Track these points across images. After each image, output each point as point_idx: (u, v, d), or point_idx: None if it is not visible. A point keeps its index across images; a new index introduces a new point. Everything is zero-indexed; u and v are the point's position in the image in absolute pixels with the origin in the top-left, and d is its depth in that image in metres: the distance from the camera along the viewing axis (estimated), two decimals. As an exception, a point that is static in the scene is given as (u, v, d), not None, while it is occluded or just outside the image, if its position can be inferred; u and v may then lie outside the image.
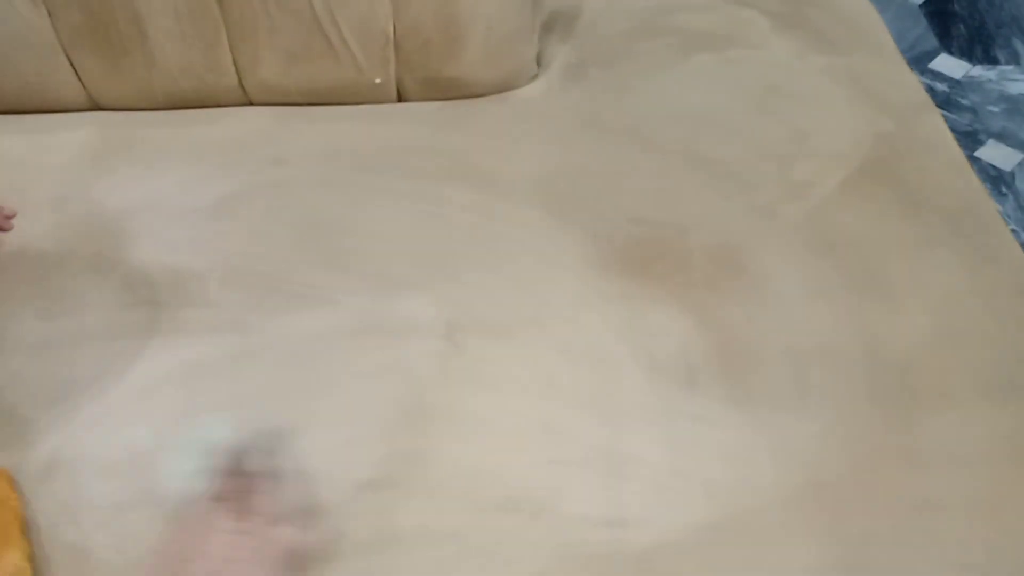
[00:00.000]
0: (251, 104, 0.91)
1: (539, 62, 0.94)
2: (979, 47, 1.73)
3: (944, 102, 1.62)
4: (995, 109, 1.61)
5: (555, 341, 0.70)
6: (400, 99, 0.91)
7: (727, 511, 0.60)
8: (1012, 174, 1.49)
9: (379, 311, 0.71)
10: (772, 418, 0.65)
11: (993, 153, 1.53)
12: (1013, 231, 1.40)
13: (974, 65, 1.69)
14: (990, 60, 1.70)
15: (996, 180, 1.49)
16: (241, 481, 0.55)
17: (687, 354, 0.69)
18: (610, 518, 0.60)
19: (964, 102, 1.62)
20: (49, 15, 0.83)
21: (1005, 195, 1.46)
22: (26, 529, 0.58)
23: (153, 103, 0.89)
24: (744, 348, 0.69)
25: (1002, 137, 1.56)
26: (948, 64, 1.70)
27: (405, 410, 0.65)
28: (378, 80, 0.88)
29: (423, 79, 0.89)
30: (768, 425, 0.65)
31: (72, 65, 0.86)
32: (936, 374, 0.68)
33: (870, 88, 0.91)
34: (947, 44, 1.74)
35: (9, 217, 0.75)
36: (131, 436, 0.64)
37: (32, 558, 0.56)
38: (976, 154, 1.53)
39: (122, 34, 0.83)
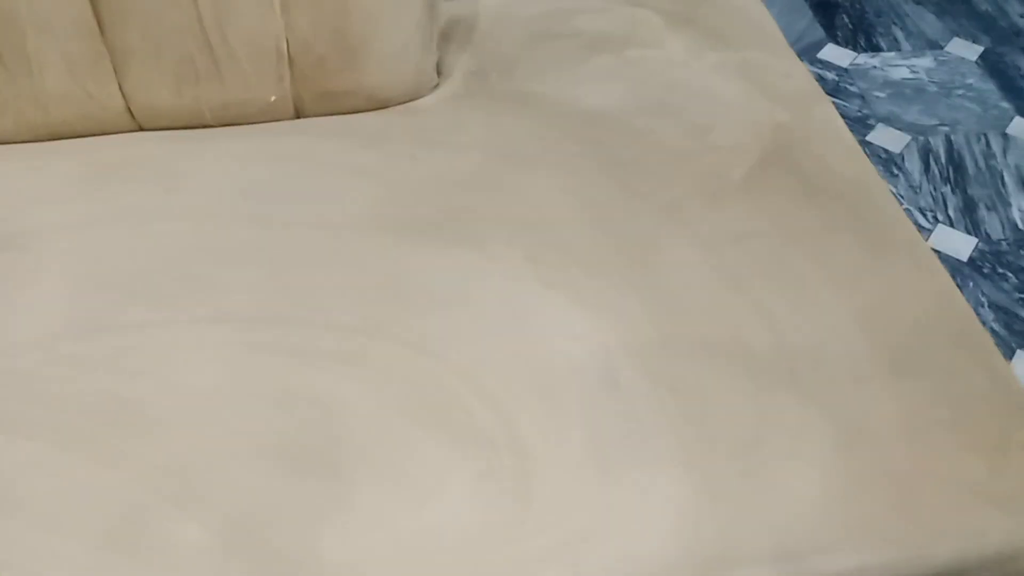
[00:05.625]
0: (141, 130, 0.87)
1: (439, 71, 0.94)
2: (862, 36, 1.80)
3: (834, 90, 1.68)
4: (881, 94, 1.68)
5: (475, 352, 0.69)
6: (298, 115, 0.89)
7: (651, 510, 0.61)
8: (901, 156, 1.56)
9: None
10: (692, 412, 0.66)
11: (882, 136, 1.60)
12: (906, 211, 1.46)
13: (859, 53, 1.76)
14: (873, 48, 1.78)
15: (887, 162, 1.55)
16: None
17: (608, 352, 0.69)
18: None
19: (852, 89, 1.69)
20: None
21: (896, 176, 1.52)
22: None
23: (34, 135, 0.85)
24: (659, 343, 0.70)
25: (890, 121, 1.63)
26: (835, 53, 1.76)
27: (325, 437, 0.63)
28: (273, 98, 0.86)
29: (321, 94, 0.87)
30: (689, 419, 0.65)
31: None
32: (846, 356, 0.69)
33: (764, 81, 0.93)
34: (832, 34, 1.81)
35: None
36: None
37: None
38: (867, 138, 1.59)
39: (5, 63, 0.79)
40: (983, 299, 1.36)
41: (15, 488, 0.60)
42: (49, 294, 0.71)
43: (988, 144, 1.58)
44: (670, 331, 0.71)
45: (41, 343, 0.68)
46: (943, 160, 1.55)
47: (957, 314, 0.74)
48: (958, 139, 1.59)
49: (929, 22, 1.84)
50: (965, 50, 1.77)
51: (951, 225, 1.45)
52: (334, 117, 0.88)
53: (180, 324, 0.70)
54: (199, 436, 0.63)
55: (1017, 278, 1.38)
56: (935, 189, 1.51)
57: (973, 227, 1.45)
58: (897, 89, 1.69)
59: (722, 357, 0.69)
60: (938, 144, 1.58)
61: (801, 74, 0.95)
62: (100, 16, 0.80)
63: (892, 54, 1.76)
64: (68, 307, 0.70)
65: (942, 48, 1.78)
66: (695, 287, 0.74)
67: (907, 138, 1.59)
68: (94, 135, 0.86)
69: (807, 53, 1.76)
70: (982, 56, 1.76)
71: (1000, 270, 1.39)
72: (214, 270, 0.74)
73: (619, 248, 0.77)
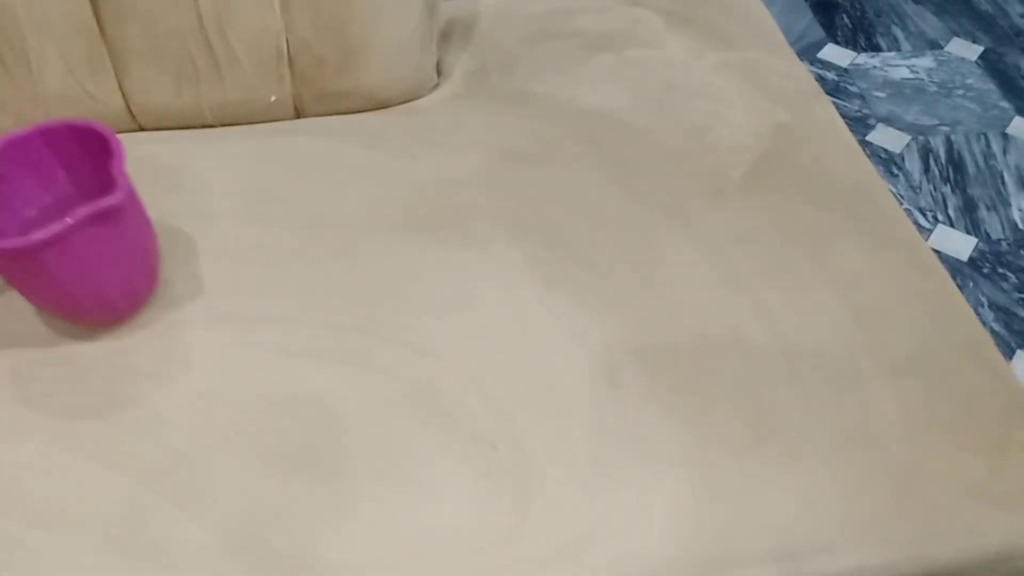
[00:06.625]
0: (141, 130, 0.87)
1: (439, 71, 0.94)
2: (862, 35, 1.81)
3: (834, 90, 1.68)
4: (881, 94, 1.68)
5: (475, 352, 0.69)
6: (298, 115, 0.89)
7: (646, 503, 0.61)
8: (901, 155, 1.56)
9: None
10: (692, 412, 0.66)
11: (882, 136, 1.60)
12: (906, 211, 1.46)
13: (859, 53, 1.76)
14: (873, 47, 1.78)
15: (887, 162, 1.55)
16: None
17: (608, 352, 0.69)
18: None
19: (852, 89, 1.69)
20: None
21: (896, 176, 1.52)
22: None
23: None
24: (659, 343, 0.70)
25: (889, 121, 1.63)
26: (835, 53, 1.76)
27: (325, 437, 0.63)
28: (273, 98, 0.86)
29: (321, 94, 0.87)
30: (689, 419, 0.65)
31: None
32: (846, 356, 0.69)
33: (764, 81, 0.93)
34: (832, 34, 1.81)
35: None
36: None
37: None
38: (867, 138, 1.59)
39: (5, 63, 0.79)
40: (983, 299, 1.36)
41: (15, 488, 0.60)
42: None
43: (988, 144, 1.58)
44: (670, 331, 0.71)
45: (40, 341, 0.68)
46: (943, 160, 1.55)
47: (957, 314, 0.74)
48: (958, 139, 1.59)
49: (929, 22, 1.84)
50: (965, 50, 1.77)
51: (951, 225, 1.45)
52: (334, 117, 0.88)
53: (180, 324, 0.70)
54: (199, 436, 0.63)
55: (1017, 278, 1.38)
56: (935, 189, 1.51)
57: (973, 227, 1.45)
58: (897, 89, 1.69)
59: (722, 357, 0.69)
60: (938, 144, 1.58)
61: (801, 74, 0.95)
62: (100, 16, 0.80)
63: (892, 54, 1.76)
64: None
65: (942, 48, 1.78)
66: (695, 287, 0.74)
67: (907, 138, 1.59)
68: (94, 135, 0.86)
69: (807, 53, 1.76)
70: (982, 56, 1.76)
71: (1000, 270, 1.39)
72: (214, 270, 0.74)
73: (619, 248, 0.77)
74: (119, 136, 0.86)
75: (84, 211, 0.59)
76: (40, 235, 0.58)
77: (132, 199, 0.64)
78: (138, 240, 0.66)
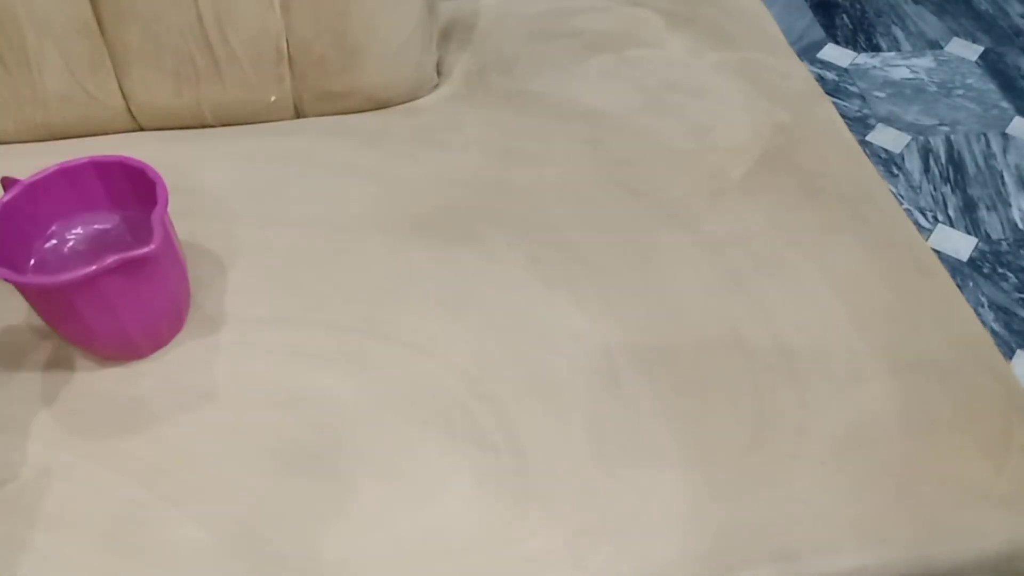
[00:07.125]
0: (141, 130, 0.87)
1: (439, 71, 0.94)
2: (862, 35, 1.81)
3: (834, 90, 1.68)
4: (881, 94, 1.68)
5: (475, 352, 0.69)
6: (298, 115, 0.89)
7: (645, 502, 0.61)
8: (901, 155, 1.56)
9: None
10: (692, 412, 0.66)
11: (883, 136, 1.60)
12: (906, 211, 1.46)
13: (859, 53, 1.76)
14: (873, 48, 1.78)
15: (887, 162, 1.55)
16: None
17: (608, 352, 0.69)
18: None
19: (852, 89, 1.69)
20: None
21: (896, 176, 1.52)
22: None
23: (34, 135, 0.85)
24: (659, 343, 0.70)
25: (889, 121, 1.63)
26: (835, 53, 1.76)
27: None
28: (273, 98, 0.86)
29: (321, 94, 0.87)
30: (689, 419, 0.65)
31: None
32: (847, 357, 0.69)
33: (764, 81, 0.93)
34: (832, 34, 1.81)
35: None
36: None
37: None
38: (867, 138, 1.59)
39: (5, 63, 0.79)
40: (983, 299, 1.36)
41: (15, 488, 0.60)
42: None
43: (988, 144, 1.58)
44: (670, 331, 0.71)
45: (42, 343, 0.68)
46: (943, 160, 1.55)
47: (957, 314, 0.74)
48: (958, 139, 1.59)
49: (929, 22, 1.84)
50: (965, 50, 1.77)
51: (951, 225, 1.45)
52: (334, 117, 0.88)
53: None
54: (199, 436, 0.63)
55: (1017, 278, 1.38)
56: (935, 189, 1.51)
57: (973, 227, 1.45)
58: (897, 89, 1.69)
59: (722, 357, 0.69)
60: (938, 144, 1.58)
61: (801, 74, 0.95)
62: (100, 16, 0.80)
63: (892, 54, 1.76)
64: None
65: (942, 48, 1.78)
66: (695, 287, 0.74)
67: (907, 138, 1.59)
68: (94, 135, 0.86)
69: (807, 53, 1.76)
70: (982, 56, 1.76)
71: (1000, 270, 1.39)
72: (214, 270, 0.74)
73: (619, 248, 0.77)
74: (119, 136, 0.86)
75: (114, 258, 0.58)
76: (67, 277, 0.58)
77: (167, 249, 0.64)
78: (167, 288, 0.66)
